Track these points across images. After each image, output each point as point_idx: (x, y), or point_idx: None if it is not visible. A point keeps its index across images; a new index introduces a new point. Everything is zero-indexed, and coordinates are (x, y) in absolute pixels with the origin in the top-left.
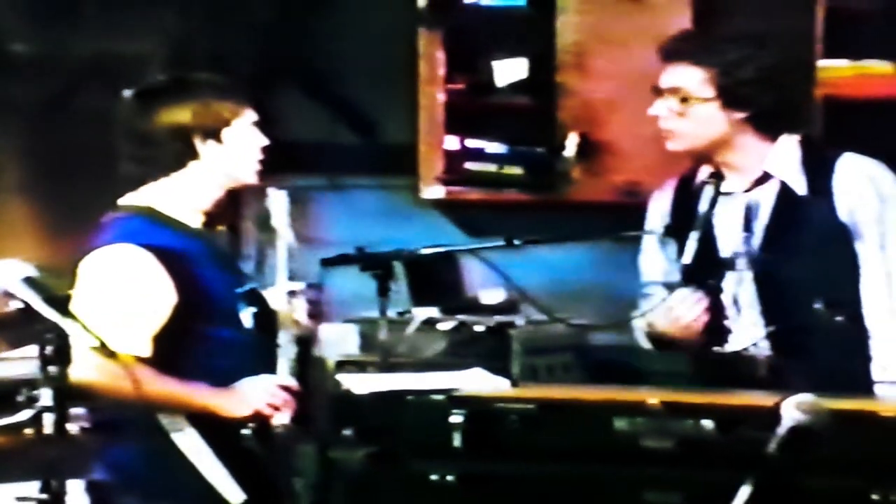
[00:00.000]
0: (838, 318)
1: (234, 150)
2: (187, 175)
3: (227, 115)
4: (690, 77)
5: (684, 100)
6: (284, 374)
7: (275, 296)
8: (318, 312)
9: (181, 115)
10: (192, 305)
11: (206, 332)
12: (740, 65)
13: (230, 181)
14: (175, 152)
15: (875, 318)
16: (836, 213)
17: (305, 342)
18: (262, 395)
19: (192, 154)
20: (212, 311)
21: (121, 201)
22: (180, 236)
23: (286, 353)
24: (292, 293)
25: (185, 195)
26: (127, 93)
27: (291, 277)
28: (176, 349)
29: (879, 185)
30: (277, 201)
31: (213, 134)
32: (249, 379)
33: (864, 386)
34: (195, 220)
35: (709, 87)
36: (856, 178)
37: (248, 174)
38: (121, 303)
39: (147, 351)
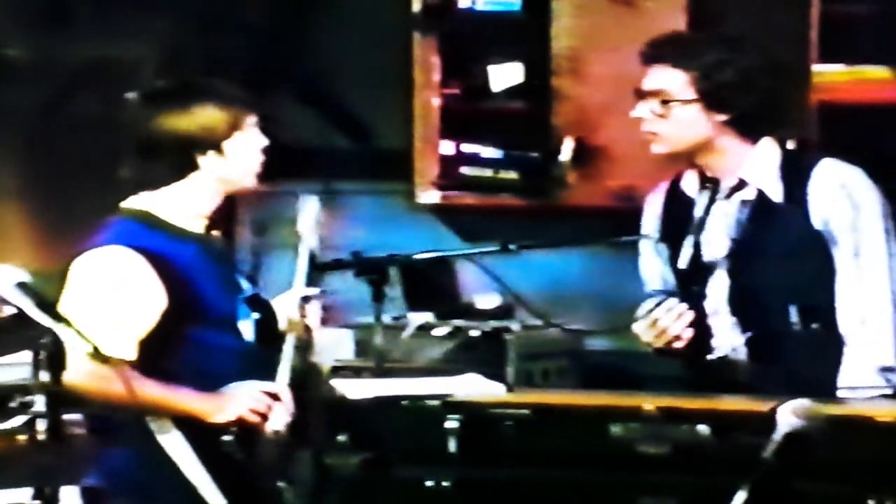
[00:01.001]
0: (814, 326)
1: (235, 161)
2: (186, 183)
3: (229, 127)
4: (671, 79)
5: (665, 102)
6: (285, 380)
7: (287, 300)
8: (329, 318)
9: (183, 124)
10: (184, 310)
11: (199, 338)
12: (719, 67)
13: (229, 187)
14: (175, 164)
15: (847, 325)
16: (810, 220)
17: (304, 348)
18: (245, 402)
19: (192, 166)
20: (204, 317)
21: (120, 205)
22: (175, 240)
23: (287, 358)
24: (306, 298)
25: (184, 201)
26: (131, 95)
27: (309, 283)
28: (165, 353)
29: (853, 192)
30: (308, 206)
31: (215, 146)
32: (235, 385)
33: (835, 391)
34: (194, 225)
35: (689, 89)
36: (830, 186)
37: (246, 180)
38: (108, 304)
39: (132, 354)
